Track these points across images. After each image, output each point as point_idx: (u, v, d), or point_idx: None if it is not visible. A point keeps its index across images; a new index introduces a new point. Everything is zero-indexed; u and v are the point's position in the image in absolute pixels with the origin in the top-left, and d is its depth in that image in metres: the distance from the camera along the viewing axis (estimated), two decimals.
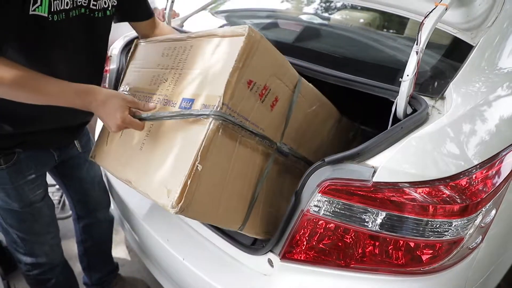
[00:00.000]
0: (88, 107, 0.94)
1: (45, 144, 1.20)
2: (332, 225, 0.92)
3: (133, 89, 1.17)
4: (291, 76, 1.07)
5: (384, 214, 0.87)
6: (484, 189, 0.91)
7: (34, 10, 0.88)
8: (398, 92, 1.00)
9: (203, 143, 0.85)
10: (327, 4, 1.91)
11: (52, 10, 0.91)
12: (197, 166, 0.84)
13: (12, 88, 0.87)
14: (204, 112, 0.86)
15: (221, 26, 1.76)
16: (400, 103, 1.00)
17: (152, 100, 1.07)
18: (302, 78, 1.10)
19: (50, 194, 1.32)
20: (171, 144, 0.93)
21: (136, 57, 1.26)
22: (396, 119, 1.02)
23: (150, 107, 0.99)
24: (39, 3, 0.88)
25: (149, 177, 0.95)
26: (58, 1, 0.92)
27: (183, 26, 1.88)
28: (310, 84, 1.15)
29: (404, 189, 0.86)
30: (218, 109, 0.86)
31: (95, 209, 1.54)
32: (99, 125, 1.61)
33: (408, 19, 1.45)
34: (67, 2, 0.95)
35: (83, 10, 1.02)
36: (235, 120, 0.90)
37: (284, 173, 1.14)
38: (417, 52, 0.95)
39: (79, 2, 0.99)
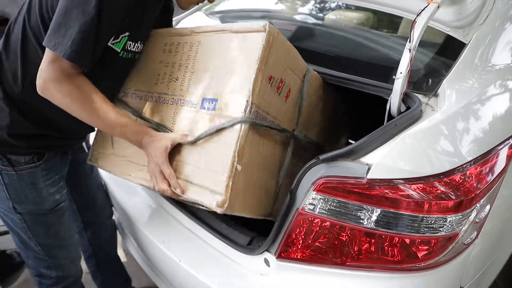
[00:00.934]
0: (139, 144, 1.01)
1: (67, 148, 1.24)
2: (327, 223, 0.92)
3: (137, 90, 1.15)
4: (301, 66, 1.08)
5: (379, 211, 0.87)
6: (478, 185, 0.91)
7: (113, 44, 0.97)
8: (392, 90, 1.00)
9: (238, 144, 0.88)
10: (321, 4, 1.92)
11: (125, 48, 1.01)
12: (236, 166, 0.88)
13: (82, 105, 0.95)
14: (236, 120, 0.88)
15: None
16: (394, 101, 1.00)
17: (165, 100, 1.06)
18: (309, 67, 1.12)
19: None
20: (202, 151, 0.95)
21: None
22: (390, 117, 1.02)
23: (188, 139, 0.97)
24: (118, 39, 0.98)
25: (182, 180, 0.96)
26: (131, 42, 1.02)
27: (176, 25, 1.88)
28: (315, 72, 1.17)
29: (399, 185, 0.86)
30: (249, 113, 0.88)
31: (101, 214, 1.54)
32: None
33: (401, 18, 1.45)
34: (138, 46, 1.06)
35: (136, 56, 1.10)
36: (263, 119, 0.94)
37: (299, 158, 1.17)
38: (410, 50, 0.95)
39: (140, 48, 1.08)
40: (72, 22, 0.86)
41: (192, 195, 0.94)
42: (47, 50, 0.90)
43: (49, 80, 0.90)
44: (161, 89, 1.08)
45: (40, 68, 0.91)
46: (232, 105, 0.90)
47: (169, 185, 0.96)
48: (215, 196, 0.89)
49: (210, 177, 0.91)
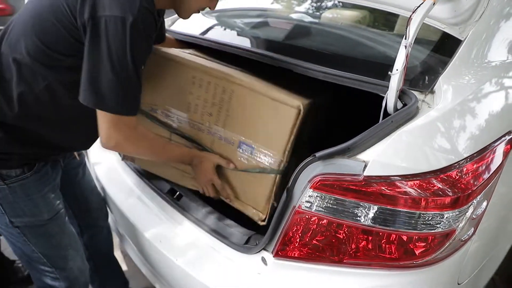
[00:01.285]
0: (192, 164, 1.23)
1: (59, 157, 1.23)
2: (324, 221, 0.92)
3: (166, 110, 1.30)
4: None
5: (376, 208, 0.87)
6: (475, 181, 0.91)
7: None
8: (388, 87, 1.00)
9: (274, 188, 1.16)
10: (318, 2, 1.91)
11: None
12: (273, 203, 1.18)
13: (149, 150, 1.13)
14: (274, 171, 1.15)
15: (211, 27, 1.77)
16: (390, 98, 1.00)
17: (201, 129, 1.26)
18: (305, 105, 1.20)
19: None
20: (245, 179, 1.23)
21: (153, 70, 1.25)
22: (386, 114, 1.02)
23: (231, 166, 1.22)
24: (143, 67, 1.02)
25: (230, 193, 1.27)
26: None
27: (171, 25, 1.88)
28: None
29: (396, 182, 0.86)
30: (282, 167, 1.14)
31: (97, 216, 1.52)
32: None
33: (397, 15, 1.45)
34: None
35: None
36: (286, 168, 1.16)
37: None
38: (405, 46, 0.95)
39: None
40: (118, 82, 0.91)
41: (237, 205, 1.26)
42: (105, 114, 0.95)
43: (122, 139, 1.00)
44: (195, 118, 1.26)
45: (105, 131, 0.98)
46: (269, 157, 1.15)
47: (217, 192, 1.26)
48: (258, 213, 1.21)
49: (254, 199, 1.21)
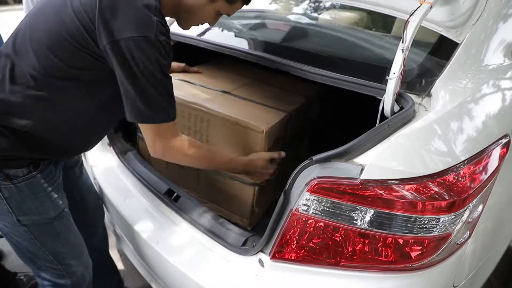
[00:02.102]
0: (246, 171, 1.30)
1: (62, 158, 1.25)
2: (321, 223, 0.92)
3: None
4: (283, 123, 1.40)
5: (372, 211, 0.87)
6: (471, 185, 0.91)
7: None
8: (385, 90, 1.00)
9: (255, 198, 1.38)
10: (316, 4, 1.91)
11: None
12: (255, 209, 1.41)
13: (200, 161, 1.17)
14: (252, 184, 1.37)
15: (209, 28, 1.76)
16: (387, 101, 1.00)
17: None
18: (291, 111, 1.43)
19: None
20: (231, 188, 1.43)
21: None
22: (384, 117, 1.02)
23: (283, 154, 1.33)
24: None
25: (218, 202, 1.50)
26: None
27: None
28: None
29: (392, 186, 0.86)
30: (259, 182, 1.35)
31: (94, 215, 1.53)
32: None
33: (395, 18, 1.46)
34: None
35: None
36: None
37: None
38: (403, 50, 0.95)
39: None
40: (159, 96, 0.98)
41: (225, 213, 1.46)
42: (148, 126, 1.03)
43: (167, 146, 1.07)
44: None
45: (152, 145, 1.07)
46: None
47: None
48: (243, 219, 1.44)
49: (239, 208, 1.44)
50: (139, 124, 1.04)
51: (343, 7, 1.80)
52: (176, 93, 1.42)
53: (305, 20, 1.82)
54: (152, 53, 0.93)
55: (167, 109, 1.02)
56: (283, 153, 1.32)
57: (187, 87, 1.53)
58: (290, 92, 1.58)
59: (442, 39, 1.22)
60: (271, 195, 1.53)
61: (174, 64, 1.71)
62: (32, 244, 1.17)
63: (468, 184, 0.91)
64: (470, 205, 0.92)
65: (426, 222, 0.87)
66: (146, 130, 1.05)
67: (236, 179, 1.39)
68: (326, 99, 1.73)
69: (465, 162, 0.93)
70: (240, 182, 1.38)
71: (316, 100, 1.67)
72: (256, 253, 1.04)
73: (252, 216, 1.43)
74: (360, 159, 0.88)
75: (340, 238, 0.91)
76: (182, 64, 1.71)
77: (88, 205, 1.48)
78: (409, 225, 0.87)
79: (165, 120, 1.02)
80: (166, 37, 0.97)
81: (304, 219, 0.93)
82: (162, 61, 0.95)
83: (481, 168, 0.97)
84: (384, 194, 0.86)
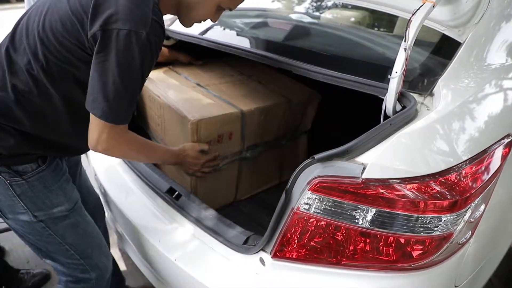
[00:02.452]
0: (177, 161, 1.34)
1: (68, 154, 1.24)
2: (323, 222, 0.92)
3: (144, 121, 1.77)
4: (234, 117, 1.45)
5: (374, 210, 0.87)
6: (473, 185, 0.91)
7: None
8: (387, 89, 1.00)
9: (192, 187, 1.51)
10: (318, 3, 1.91)
11: None
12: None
13: (138, 153, 1.16)
14: (188, 173, 1.46)
15: (210, 27, 1.76)
16: (389, 100, 1.00)
17: (156, 133, 1.68)
18: (246, 110, 1.48)
19: None
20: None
21: None
22: (386, 117, 1.02)
23: (206, 147, 1.41)
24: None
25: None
26: None
27: (171, 25, 1.87)
28: (251, 109, 1.50)
29: (394, 185, 0.86)
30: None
31: (94, 215, 1.52)
32: None
33: (397, 17, 1.45)
34: None
35: None
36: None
37: (262, 161, 1.71)
38: (405, 49, 0.95)
39: None
40: (126, 94, 0.94)
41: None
42: (102, 122, 0.96)
43: (113, 145, 1.02)
44: (152, 127, 1.70)
45: (97, 137, 0.99)
46: None
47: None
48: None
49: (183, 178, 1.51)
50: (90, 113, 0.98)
51: (345, 6, 1.79)
52: (153, 81, 1.58)
53: (307, 19, 1.82)
54: (138, 50, 0.90)
55: (127, 113, 0.98)
56: (206, 146, 1.40)
57: (167, 77, 1.68)
58: (274, 93, 1.64)
59: (445, 38, 1.21)
60: (229, 193, 1.67)
61: (182, 55, 1.84)
62: (52, 240, 1.15)
63: (470, 183, 0.91)
64: (472, 204, 0.92)
65: (428, 221, 0.86)
66: (96, 124, 0.98)
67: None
68: (327, 98, 1.73)
69: (467, 161, 0.93)
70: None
71: (307, 106, 1.70)
72: (257, 252, 1.04)
73: None
74: (362, 158, 0.88)
75: (342, 237, 0.91)
76: (189, 56, 1.80)
77: (88, 206, 1.48)
78: (410, 225, 0.87)
79: (120, 122, 0.98)
80: (158, 39, 0.95)
81: (305, 218, 0.93)
82: (145, 60, 0.93)
83: (483, 168, 0.97)
84: (386, 193, 0.85)
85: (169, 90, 1.54)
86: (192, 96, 1.52)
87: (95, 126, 0.98)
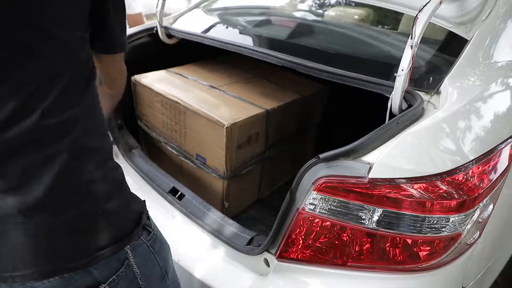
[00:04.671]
0: None
1: None
2: (328, 223, 0.90)
3: (147, 121, 1.70)
4: (260, 117, 1.44)
5: (380, 211, 0.85)
6: (481, 184, 0.90)
7: None
8: (393, 87, 0.99)
9: (224, 191, 1.49)
10: (321, 0, 1.90)
11: None
12: (225, 204, 1.53)
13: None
14: (221, 177, 1.46)
15: (213, 25, 1.75)
16: (395, 98, 0.99)
17: (170, 143, 1.62)
18: (270, 109, 1.48)
19: None
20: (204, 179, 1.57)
21: (139, 95, 1.65)
22: (392, 115, 1.01)
23: None
24: None
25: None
26: None
27: (173, 23, 1.86)
28: (274, 107, 1.49)
29: (401, 185, 0.85)
30: (228, 173, 1.44)
31: None
32: None
33: (402, 14, 1.44)
34: None
35: None
36: (239, 168, 1.48)
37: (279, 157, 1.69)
38: (411, 46, 0.93)
39: None
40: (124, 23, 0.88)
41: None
42: (121, 55, 0.90)
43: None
44: (166, 133, 1.62)
45: (124, 73, 0.95)
46: (218, 167, 1.45)
47: None
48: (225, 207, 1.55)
49: (211, 201, 1.40)
50: (109, 60, 0.89)
51: (349, 4, 1.78)
52: (163, 86, 1.54)
53: (310, 16, 1.80)
54: None
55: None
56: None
57: (177, 81, 1.61)
58: (286, 89, 1.64)
59: (451, 36, 1.20)
60: (254, 193, 1.67)
61: None
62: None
63: (478, 183, 0.90)
64: (481, 204, 0.90)
65: (435, 221, 0.85)
66: (119, 60, 0.91)
67: (206, 170, 1.50)
68: (333, 97, 1.73)
69: (475, 161, 0.91)
70: (211, 174, 1.48)
71: (317, 99, 1.71)
72: (262, 253, 1.03)
73: (224, 211, 1.48)
74: (368, 158, 0.86)
75: (347, 237, 0.90)
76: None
77: None
78: (418, 225, 0.85)
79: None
80: None
81: (310, 218, 0.91)
82: None
83: (490, 168, 0.95)
84: (393, 193, 0.84)
85: (187, 94, 1.49)
86: (212, 99, 1.48)
87: (121, 65, 0.93)
